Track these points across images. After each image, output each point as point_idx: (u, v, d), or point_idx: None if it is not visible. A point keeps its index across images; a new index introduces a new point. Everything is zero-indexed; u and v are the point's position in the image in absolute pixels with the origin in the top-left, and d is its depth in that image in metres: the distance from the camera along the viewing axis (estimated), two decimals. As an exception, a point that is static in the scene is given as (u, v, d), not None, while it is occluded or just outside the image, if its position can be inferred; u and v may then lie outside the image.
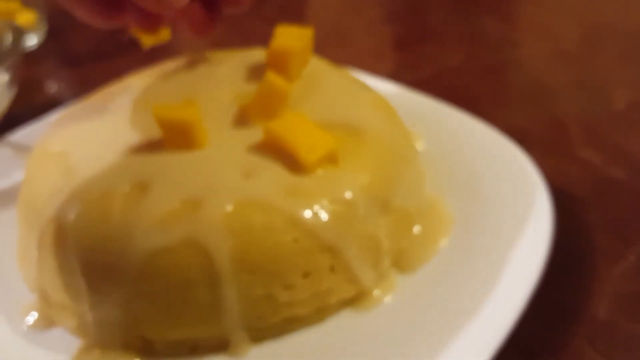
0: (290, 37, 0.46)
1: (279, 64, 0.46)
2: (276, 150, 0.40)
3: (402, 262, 0.42)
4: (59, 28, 0.81)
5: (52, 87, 0.74)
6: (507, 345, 0.36)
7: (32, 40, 0.79)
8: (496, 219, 0.43)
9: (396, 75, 0.61)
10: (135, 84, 0.48)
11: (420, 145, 0.51)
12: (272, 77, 0.42)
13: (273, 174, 0.39)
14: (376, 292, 0.40)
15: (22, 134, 0.53)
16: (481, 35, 0.78)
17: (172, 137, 0.40)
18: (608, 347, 0.40)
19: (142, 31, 0.43)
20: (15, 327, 0.40)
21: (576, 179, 0.53)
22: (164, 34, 0.45)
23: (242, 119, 0.43)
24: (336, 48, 0.74)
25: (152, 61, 0.52)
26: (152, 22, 0.42)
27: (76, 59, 0.78)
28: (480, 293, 0.39)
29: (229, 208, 0.37)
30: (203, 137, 0.41)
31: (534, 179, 0.45)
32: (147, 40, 0.44)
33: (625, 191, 0.52)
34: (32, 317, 0.41)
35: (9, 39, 0.58)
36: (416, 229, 0.44)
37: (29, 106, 0.61)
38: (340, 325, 0.39)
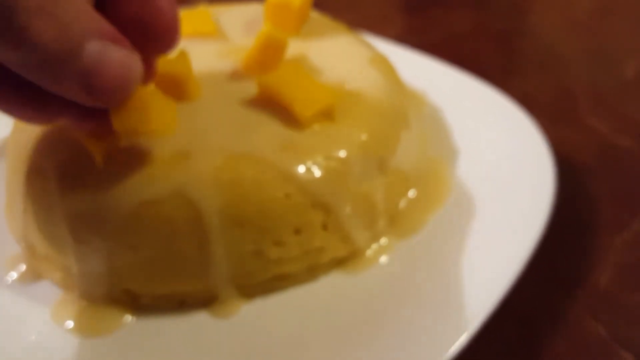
0: (290, -10, 0.44)
1: (277, 17, 0.44)
2: (271, 104, 0.39)
3: (398, 226, 0.41)
4: None
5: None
6: (505, 312, 0.36)
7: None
8: (497, 184, 0.42)
9: (403, 39, 0.59)
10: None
11: (424, 107, 0.49)
12: (269, 29, 0.41)
13: (266, 128, 0.38)
14: (369, 253, 0.39)
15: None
16: (491, 1, 0.76)
17: (163, 89, 0.39)
18: (609, 316, 0.40)
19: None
20: (0, 279, 0.39)
21: (582, 147, 0.52)
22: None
23: (238, 73, 0.42)
24: (343, 11, 0.72)
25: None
26: (92, 119, 0.33)
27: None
28: (476, 257, 0.38)
29: (219, 161, 0.36)
30: (195, 90, 0.40)
31: (538, 145, 0.44)
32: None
33: (632, 160, 0.51)
34: (18, 269, 0.40)
35: None
36: (413, 192, 0.42)
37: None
38: (332, 284, 0.38)
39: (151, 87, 0.35)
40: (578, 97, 0.58)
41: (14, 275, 0.40)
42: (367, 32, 0.56)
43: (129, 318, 0.37)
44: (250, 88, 0.40)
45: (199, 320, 0.37)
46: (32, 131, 0.40)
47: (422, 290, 0.37)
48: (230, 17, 0.47)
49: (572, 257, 0.43)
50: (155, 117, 0.33)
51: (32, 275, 0.40)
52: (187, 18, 0.46)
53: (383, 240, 0.40)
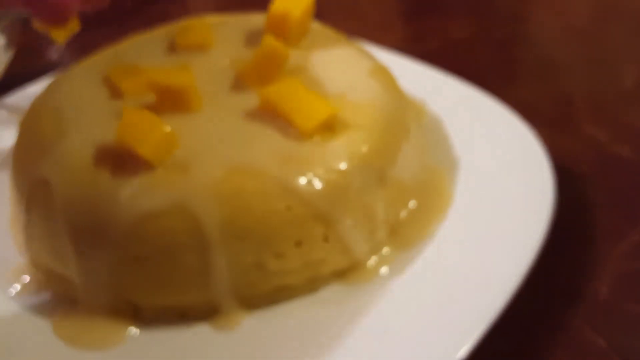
0: (290, 2, 0.45)
1: (278, 29, 0.44)
2: (272, 117, 0.39)
3: (398, 237, 0.41)
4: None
5: (53, 52, 0.73)
6: (505, 322, 0.36)
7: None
8: (497, 194, 0.42)
9: (402, 47, 0.59)
10: (130, 48, 0.47)
11: (423, 117, 0.49)
12: (270, 41, 0.41)
13: (268, 140, 0.38)
14: (370, 264, 0.39)
15: (18, 96, 0.52)
16: (490, 8, 0.76)
17: (166, 102, 0.40)
18: (607, 327, 0.39)
19: (49, 26, 0.40)
20: (4, 291, 0.39)
21: (581, 156, 0.52)
22: (74, 25, 0.43)
23: (239, 85, 0.42)
24: (342, 19, 0.72)
25: (152, 27, 0.51)
26: (55, 14, 0.38)
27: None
28: (476, 268, 0.38)
29: (220, 173, 0.36)
30: (197, 102, 0.40)
31: (537, 155, 0.44)
32: (59, 36, 0.42)
33: (631, 169, 0.51)
34: (22, 281, 0.40)
35: (7, 0, 0.57)
36: (414, 203, 0.43)
37: (29, 71, 0.60)
38: (332, 296, 0.38)
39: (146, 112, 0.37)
40: (577, 105, 0.58)
41: (17, 287, 0.40)
42: (367, 41, 0.56)
43: (131, 330, 0.37)
44: (252, 100, 0.40)
45: (200, 332, 0.37)
46: (36, 140, 0.40)
47: (422, 302, 0.37)
48: (232, 29, 0.48)
49: (571, 267, 0.43)
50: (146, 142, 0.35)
51: (36, 287, 0.40)
52: (188, 30, 0.46)
53: (384, 252, 0.40)
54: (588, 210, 0.47)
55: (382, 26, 0.74)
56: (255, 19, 0.48)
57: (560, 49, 0.67)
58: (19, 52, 0.58)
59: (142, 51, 0.46)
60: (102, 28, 0.73)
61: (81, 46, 0.72)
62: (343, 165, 0.38)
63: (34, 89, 0.52)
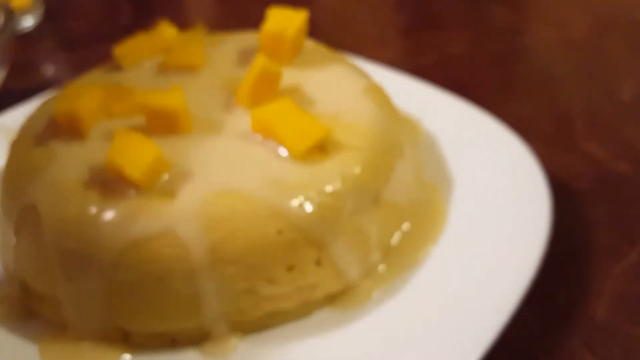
0: (284, 20, 0.44)
1: (271, 48, 0.44)
2: (264, 138, 0.39)
3: (392, 260, 0.40)
4: (55, 10, 0.79)
5: (48, 69, 0.73)
6: (501, 344, 0.35)
7: (28, 22, 0.77)
8: (492, 214, 0.42)
9: (399, 62, 0.59)
10: (123, 68, 0.46)
11: (418, 136, 0.49)
12: (262, 61, 0.40)
13: (259, 162, 0.37)
14: (363, 288, 0.39)
15: (9, 117, 0.52)
16: (487, 22, 0.75)
17: (156, 123, 0.39)
18: (605, 349, 0.39)
19: None
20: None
21: (579, 173, 0.52)
22: None
23: (231, 105, 0.42)
24: (339, 33, 0.72)
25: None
26: None
27: (73, 41, 0.76)
28: (472, 289, 0.37)
29: (209, 197, 0.36)
30: (188, 124, 0.39)
31: (533, 173, 0.43)
32: None
33: (630, 186, 0.50)
34: (10, 304, 0.40)
35: (0, 19, 0.56)
36: (408, 225, 0.42)
37: (23, 89, 0.60)
38: (325, 320, 0.38)
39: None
40: (574, 120, 0.58)
41: (4, 310, 0.39)
42: (362, 56, 0.56)
43: (120, 356, 0.37)
44: (243, 121, 0.40)
45: (191, 359, 0.36)
46: (25, 164, 0.40)
47: (417, 325, 0.36)
48: (224, 47, 0.47)
49: (568, 287, 0.43)
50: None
51: (24, 312, 0.39)
52: (180, 50, 0.46)
53: (377, 275, 0.40)
54: (586, 228, 0.47)
55: (379, 40, 0.74)
56: (247, 38, 0.48)
57: (558, 64, 0.66)
58: (13, 69, 0.58)
59: (134, 71, 0.46)
60: (97, 44, 0.73)
61: (76, 61, 0.72)
62: (335, 188, 0.37)
63: (27, 109, 0.52)
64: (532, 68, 0.66)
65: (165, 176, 0.37)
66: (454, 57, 0.69)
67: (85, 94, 0.41)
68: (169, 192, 0.36)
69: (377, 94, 0.44)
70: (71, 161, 0.38)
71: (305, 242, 0.36)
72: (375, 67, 0.53)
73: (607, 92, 0.61)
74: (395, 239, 0.41)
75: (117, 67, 0.47)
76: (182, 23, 0.52)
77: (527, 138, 0.47)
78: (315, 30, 0.47)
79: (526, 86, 0.64)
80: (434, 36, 0.73)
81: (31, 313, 0.39)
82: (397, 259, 0.40)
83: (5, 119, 0.52)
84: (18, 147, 0.42)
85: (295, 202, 0.36)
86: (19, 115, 0.51)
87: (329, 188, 0.37)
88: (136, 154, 0.36)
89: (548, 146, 0.51)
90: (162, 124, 0.39)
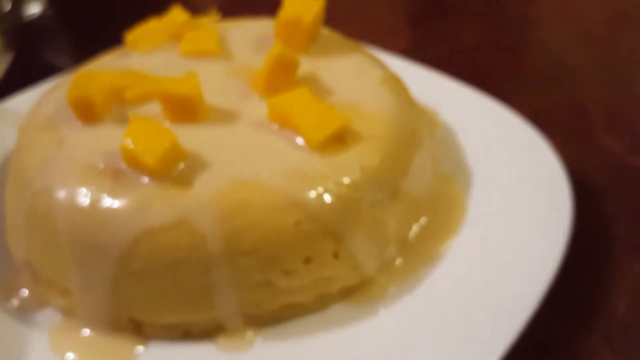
0: (301, 6, 0.43)
1: (288, 35, 0.43)
2: (281, 127, 0.38)
3: (410, 254, 0.40)
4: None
5: (54, 55, 0.72)
6: (522, 340, 0.34)
7: (34, 9, 0.77)
8: (512, 208, 0.41)
9: (412, 52, 0.58)
10: (134, 53, 0.46)
11: (436, 127, 0.48)
12: (280, 48, 0.40)
13: (276, 152, 0.37)
14: (380, 282, 0.38)
15: (15, 101, 0.51)
16: (502, 13, 0.75)
17: (172, 111, 0.38)
18: (625, 347, 0.38)
19: None
20: (2, 304, 0.38)
21: (597, 168, 0.51)
22: None
23: (247, 93, 0.41)
24: (352, 23, 0.71)
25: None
26: None
27: (78, 29, 0.75)
28: (492, 286, 0.37)
29: (225, 186, 0.35)
30: (204, 111, 0.39)
31: (553, 166, 0.43)
32: None
33: (649, 181, 0.49)
34: (20, 295, 0.39)
35: (7, 5, 0.56)
36: (426, 218, 0.41)
37: (28, 75, 0.59)
38: (342, 314, 0.37)
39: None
40: (591, 114, 0.57)
41: (15, 301, 0.39)
42: (376, 46, 0.55)
43: (132, 347, 0.36)
44: (260, 109, 0.39)
45: (205, 351, 0.36)
46: (35, 151, 0.39)
47: (434, 322, 0.36)
48: (240, 34, 0.46)
49: (588, 284, 0.42)
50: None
51: (35, 301, 0.39)
52: (193, 36, 0.45)
53: (394, 270, 0.39)
54: (605, 223, 0.46)
55: (392, 31, 0.73)
56: (261, 25, 0.47)
57: (573, 55, 0.66)
58: (19, 55, 0.57)
59: (147, 57, 0.45)
60: (104, 31, 0.72)
61: (80, 49, 0.72)
62: (354, 179, 0.36)
63: (34, 93, 0.51)
64: (547, 61, 0.66)
65: (181, 165, 0.36)
66: (468, 48, 0.68)
67: (98, 79, 0.40)
68: (184, 181, 0.35)
69: (396, 84, 0.43)
70: (84, 147, 0.38)
71: (323, 234, 0.36)
72: (389, 57, 0.52)
73: (624, 85, 0.60)
74: (413, 232, 0.40)
75: (129, 53, 0.46)
76: (194, 9, 0.51)
77: (544, 131, 0.46)
78: (327, 20, 0.46)
79: (541, 79, 0.63)
80: (448, 27, 0.72)
81: (41, 302, 0.39)
82: (415, 253, 0.39)
83: (12, 103, 0.51)
84: (28, 132, 0.41)
85: (313, 193, 0.35)
86: (25, 99, 0.50)
87: (347, 179, 0.36)
88: (152, 141, 0.35)
89: (564, 139, 0.50)
90: (178, 111, 0.38)
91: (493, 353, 0.33)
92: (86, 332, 0.37)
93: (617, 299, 0.41)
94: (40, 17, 0.77)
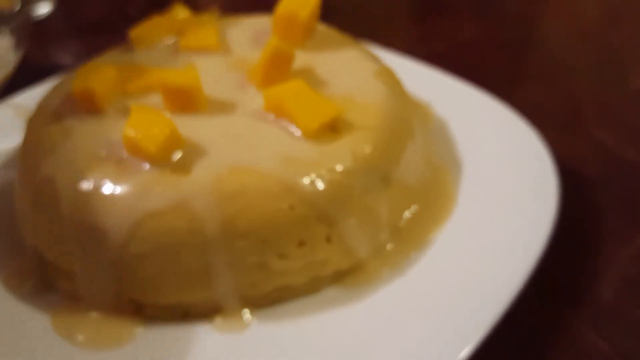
0: (296, 3, 0.45)
1: (284, 30, 0.45)
2: (277, 117, 0.39)
3: (401, 239, 0.41)
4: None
5: (62, 54, 0.74)
6: (507, 323, 0.36)
7: (43, 9, 0.78)
8: (500, 196, 0.42)
9: (409, 48, 0.59)
10: (138, 49, 0.47)
11: (429, 120, 0.49)
12: (276, 42, 0.41)
13: (271, 140, 0.38)
14: (372, 266, 0.39)
15: (24, 96, 0.53)
16: (498, 10, 0.76)
17: (172, 101, 0.40)
18: (611, 331, 0.39)
19: None
20: (7, 286, 0.40)
21: (589, 159, 0.52)
22: None
23: (245, 85, 0.42)
24: (349, 20, 0.72)
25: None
26: None
27: (85, 28, 0.77)
28: (479, 270, 0.38)
29: (222, 172, 0.36)
30: (203, 102, 0.40)
31: (542, 157, 0.44)
32: None
33: (638, 173, 0.50)
34: (25, 277, 0.40)
35: (17, 5, 0.57)
36: (417, 205, 0.42)
37: (36, 73, 0.60)
38: (334, 297, 0.38)
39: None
40: (584, 108, 0.58)
41: (22, 284, 0.40)
42: (373, 42, 0.56)
43: (133, 328, 0.37)
44: (257, 100, 0.40)
45: (203, 331, 0.37)
46: (41, 139, 0.41)
47: (424, 303, 0.37)
48: (237, 30, 0.48)
49: (575, 270, 0.43)
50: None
51: (40, 284, 0.40)
52: (194, 32, 0.46)
53: (385, 254, 0.40)
54: (594, 213, 0.47)
55: (390, 26, 0.74)
56: (260, 21, 0.48)
57: (568, 51, 0.67)
58: (28, 54, 0.58)
59: (149, 52, 0.46)
60: (111, 30, 0.73)
61: (88, 47, 0.73)
62: (347, 166, 0.38)
63: (41, 89, 0.53)
64: (543, 56, 0.67)
65: (180, 152, 0.37)
66: (465, 44, 0.69)
67: (102, 72, 0.41)
68: (183, 167, 0.36)
69: (389, 76, 0.45)
70: (87, 136, 0.39)
71: (316, 218, 0.37)
72: (386, 53, 0.54)
73: (617, 80, 0.61)
74: (405, 219, 0.42)
75: (132, 49, 0.47)
76: (196, 6, 0.53)
77: (537, 124, 0.47)
78: (325, 16, 0.48)
79: (537, 74, 0.64)
80: (445, 23, 0.73)
81: (47, 285, 0.40)
82: (406, 239, 0.41)
83: (21, 99, 0.52)
84: (34, 123, 0.42)
85: (307, 179, 0.37)
86: (33, 95, 0.52)
87: (340, 166, 0.37)
88: (152, 129, 0.36)
89: (558, 133, 0.51)
90: (178, 102, 0.40)
91: (477, 333, 0.34)
92: (89, 314, 0.38)
93: (603, 285, 0.42)
94: (49, 17, 0.79)
